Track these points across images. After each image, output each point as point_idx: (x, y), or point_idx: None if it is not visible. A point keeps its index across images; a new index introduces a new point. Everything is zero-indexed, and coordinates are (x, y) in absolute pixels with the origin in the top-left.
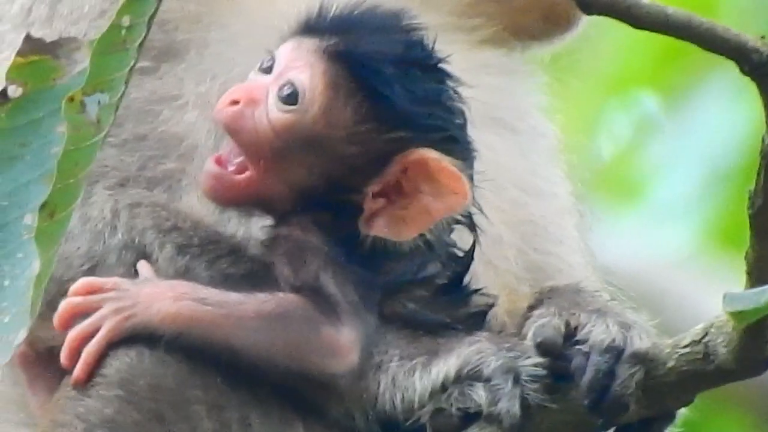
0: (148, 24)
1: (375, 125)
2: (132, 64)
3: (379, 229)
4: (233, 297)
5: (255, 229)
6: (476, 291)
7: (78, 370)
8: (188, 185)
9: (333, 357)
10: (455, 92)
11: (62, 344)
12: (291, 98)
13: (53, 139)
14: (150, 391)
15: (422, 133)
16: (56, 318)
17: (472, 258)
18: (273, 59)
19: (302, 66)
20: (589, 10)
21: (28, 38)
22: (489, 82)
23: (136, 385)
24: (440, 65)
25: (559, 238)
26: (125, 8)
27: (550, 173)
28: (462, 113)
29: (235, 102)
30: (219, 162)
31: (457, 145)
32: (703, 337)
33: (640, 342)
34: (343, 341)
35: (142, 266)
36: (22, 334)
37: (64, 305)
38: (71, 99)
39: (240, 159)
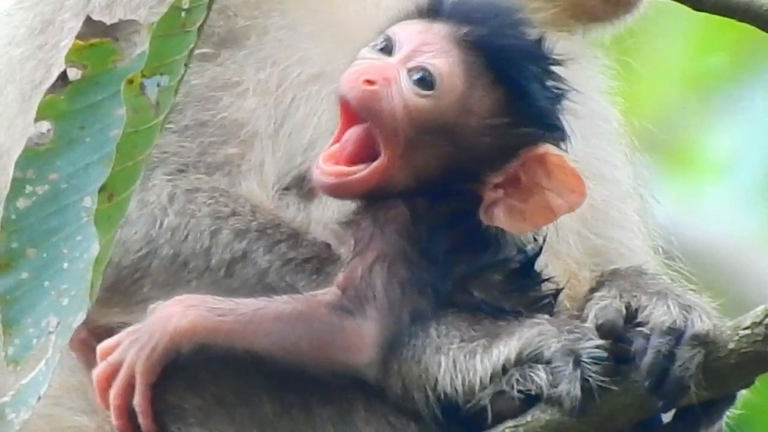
0: (207, 7)
1: (510, 119)
2: (191, 46)
3: (499, 219)
4: (250, 303)
5: (315, 213)
6: (545, 280)
7: (145, 427)
8: (248, 170)
9: (352, 351)
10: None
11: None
12: (426, 83)
13: (112, 122)
14: (212, 376)
15: (549, 131)
16: (97, 394)
17: (542, 247)
18: (390, 40)
19: (436, 51)
20: None
21: (88, 21)
22: None
23: (199, 370)
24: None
25: (620, 222)
26: None
27: (611, 157)
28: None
29: (371, 82)
30: (332, 159)
31: (566, 143)
32: (764, 319)
33: (700, 324)
34: (362, 336)
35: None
36: (81, 317)
37: (95, 380)
38: (130, 81)
39: (354, 148)
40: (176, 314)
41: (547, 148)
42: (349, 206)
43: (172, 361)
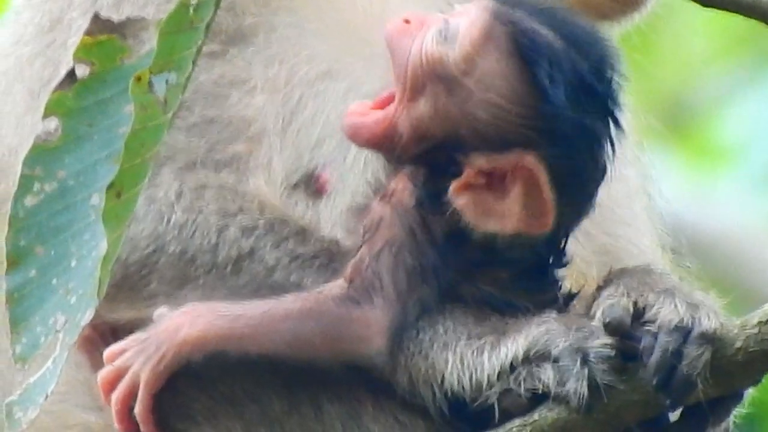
0: (215, 4)
1: (519, 110)
2: (200, 43)
3: (462, 204)
4: (258, 306)
5: (323, 210)
6: (555, 280)
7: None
8: (256, 167)
9: (362, 340)
10: (610, 144)
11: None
12: (445, 34)
13: (121, 119)
14: (220, 374)
15: (554, 149)
16: (101, 395)
17: (555, 247)
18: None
19: (468, 14)
20: None
21: (95, 18)
22: None
23: (206, 369)
24: (612, 106)
25: (628, 220)
26: None
27: (619, 154)
28: (602, 171)
29: (408, 21)
30: (363, 105)
31: (575, 184)
32: None
33: (708, 322)
34: (370, 324)
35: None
36: (89, 315)
37: (100, 382)
38: (138, 78)
39: (382, 98)
40: (185, 324)
41: (541, 164)
42: (358, 197)
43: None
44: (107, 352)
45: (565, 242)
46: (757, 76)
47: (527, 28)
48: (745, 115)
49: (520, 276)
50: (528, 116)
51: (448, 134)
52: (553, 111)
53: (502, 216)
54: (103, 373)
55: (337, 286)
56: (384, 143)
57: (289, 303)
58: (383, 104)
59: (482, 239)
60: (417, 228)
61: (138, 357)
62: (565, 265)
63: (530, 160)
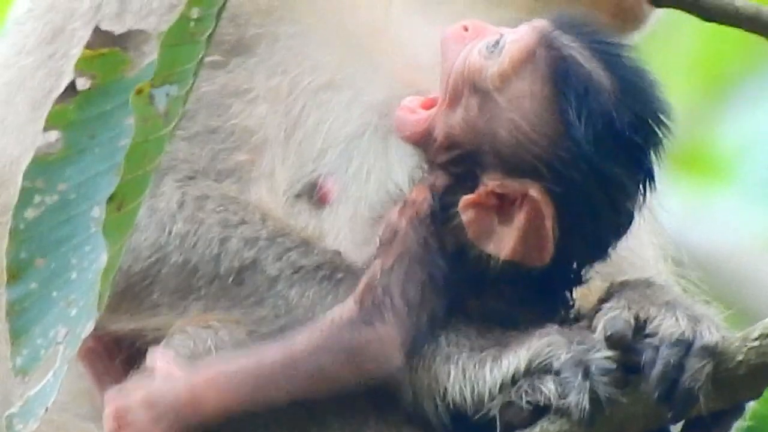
0: (216, 16)
1: (538, 139)
2: (201, 56)
3: (468, 219)
4: (271, 352)
5: (326, 220)
6: (565, 300)
7: None
8: (258, 177)
9: (381, 360)
10: (638, 194)
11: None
12: (491, 47)
13: (122, 132)
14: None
15: (563, 186)
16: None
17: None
18: None
19: (520, 30)
20: (659, 2)
21: (97, 31)
22: None
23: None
24: (643, 158)
25: (630, 231)
26: (194, 0)
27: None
28: (624, 218)
29: (465, 28)
30: (416, 101)
31: (586, 226)
32: None
33: (709, 335)
34: (385, 342)
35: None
36: (89, 327)
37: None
38: (140, 91)
39: (433, 98)
40: (198, 387)
41: (549, 201)
42: (362, 207)
43: None
44: (112, 410)
45: (579, 271)
46: (754, 91)
47: (571, 57)
48: (741, 130)
49: (530, 294)
50: (545, 147)
51: (472, 147)
52: (571, 148)
53: (500, 240)
54: (108, 426)
55: (347, 309)
56: (420, 143)
57: (302, 342)
58: (430, 105)
59: (477, 257)
60: (430, 239)
61: (145, 416)
62: (579, 285)
63: (537, 192)
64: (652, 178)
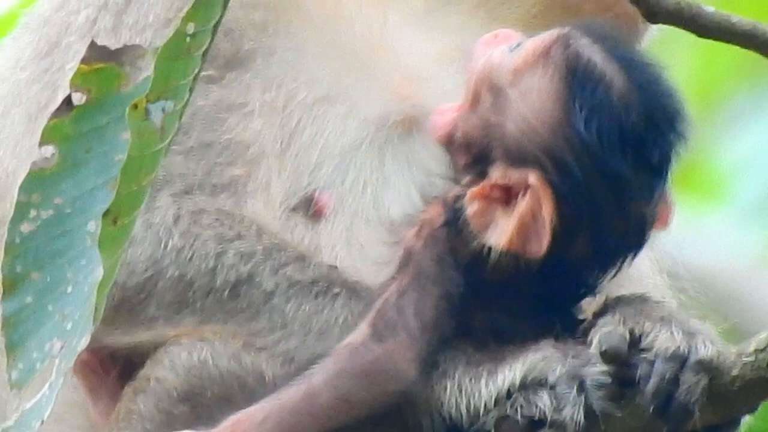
0: (212, 31)
1: (543, 130)
2: (196, 71)
3: (471, 211)
4: (291, 390)
5: (323, 234)
6: (576, 318)
7: None
8: (254, 191)
9: (393, 377)
10: (640, 205)
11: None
12: (512, 48)
13: (117, 146)
14: (218, 403)
15: (564, 179)
16: None
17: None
18: None
19: (543, 34)
20: (654, 19)
21: (92, 45)
22: None
23: (204, 397)
24: (655, 160)
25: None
26: (190, 15)
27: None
28: (634, 222)
29: (496, 36)
30: (451, 105)
31: (590, 223)
32: (767, 345)
33: (704, 350)
34: (398, 359)
35: None
36: (84, 341)
37: None
38: (135, 106)
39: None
40: None
41: (549, 191)
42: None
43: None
44: None
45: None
46: (748, 110)
47: (587, 57)
48: (736, 149)
49: (538, 308)
50: (547, 136)
51: (484, 143)
52: (572, 139)
53: (500, 230)
54: None
55: (360, 333)
56: (446, 145)
57: (319, 374)
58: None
59: (491, 267)
60: (446, 254)
61: None
62: (587, 297)
63: (536, 179)
64: (663, 180)
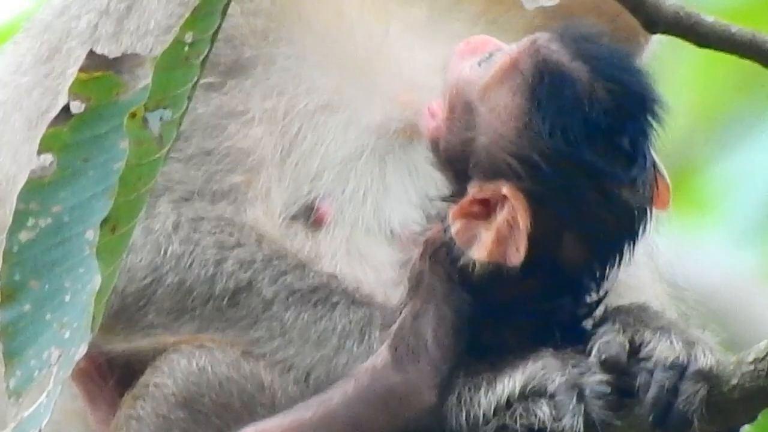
0: (211, 40)
1: (510, 137)
2: (195, 79)
3: (455, 229)
4: (308, 408)
5: (323, 242)
6: (586, 332)
7: None
8: (254, 198)
9: (414, 403)
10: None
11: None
12: (484, 61)
13: (116, 155)
14: (215, 409)
15: (538, 186)
16: None
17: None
18: None
19: (516, 45)
20: (654, 28)
21: (91, 54)
22: None
23: (202, 403)
24: (633, 167)
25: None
26: (188, 24)
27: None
28: (622, 225)
29: (469, 44)
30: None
31: (576, 227)
32: (767, 354)
33: (704, 359)
34: (419, 386)
35: None
36: (82, 349)
37: None
38: (133, 115)
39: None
40: None
41: (524, 201)
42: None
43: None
44: None
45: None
46: (744, 128)
47: (554, 62)
48: (733, 165)
49: (544, 317)
50: (515, 145)
51: (462, 159)
52: (542, 147)
53: (482, 243)
54: None
55: (381, 357)
56: (433, 152)
57: (338, 395)
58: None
59: (466, 269)
60: (452, 272)
61: None
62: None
63: (509, 191)
64: (642, 163)
